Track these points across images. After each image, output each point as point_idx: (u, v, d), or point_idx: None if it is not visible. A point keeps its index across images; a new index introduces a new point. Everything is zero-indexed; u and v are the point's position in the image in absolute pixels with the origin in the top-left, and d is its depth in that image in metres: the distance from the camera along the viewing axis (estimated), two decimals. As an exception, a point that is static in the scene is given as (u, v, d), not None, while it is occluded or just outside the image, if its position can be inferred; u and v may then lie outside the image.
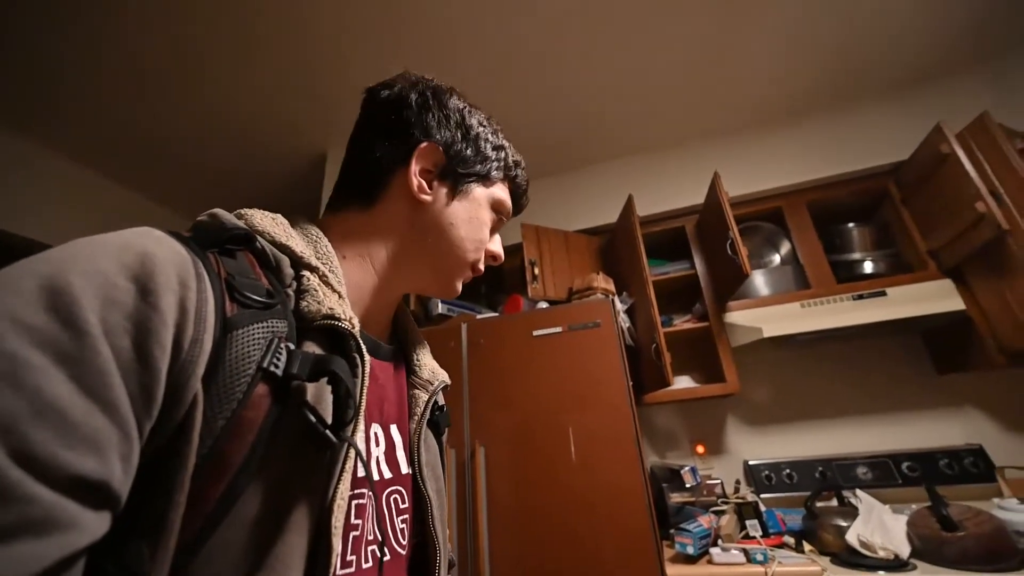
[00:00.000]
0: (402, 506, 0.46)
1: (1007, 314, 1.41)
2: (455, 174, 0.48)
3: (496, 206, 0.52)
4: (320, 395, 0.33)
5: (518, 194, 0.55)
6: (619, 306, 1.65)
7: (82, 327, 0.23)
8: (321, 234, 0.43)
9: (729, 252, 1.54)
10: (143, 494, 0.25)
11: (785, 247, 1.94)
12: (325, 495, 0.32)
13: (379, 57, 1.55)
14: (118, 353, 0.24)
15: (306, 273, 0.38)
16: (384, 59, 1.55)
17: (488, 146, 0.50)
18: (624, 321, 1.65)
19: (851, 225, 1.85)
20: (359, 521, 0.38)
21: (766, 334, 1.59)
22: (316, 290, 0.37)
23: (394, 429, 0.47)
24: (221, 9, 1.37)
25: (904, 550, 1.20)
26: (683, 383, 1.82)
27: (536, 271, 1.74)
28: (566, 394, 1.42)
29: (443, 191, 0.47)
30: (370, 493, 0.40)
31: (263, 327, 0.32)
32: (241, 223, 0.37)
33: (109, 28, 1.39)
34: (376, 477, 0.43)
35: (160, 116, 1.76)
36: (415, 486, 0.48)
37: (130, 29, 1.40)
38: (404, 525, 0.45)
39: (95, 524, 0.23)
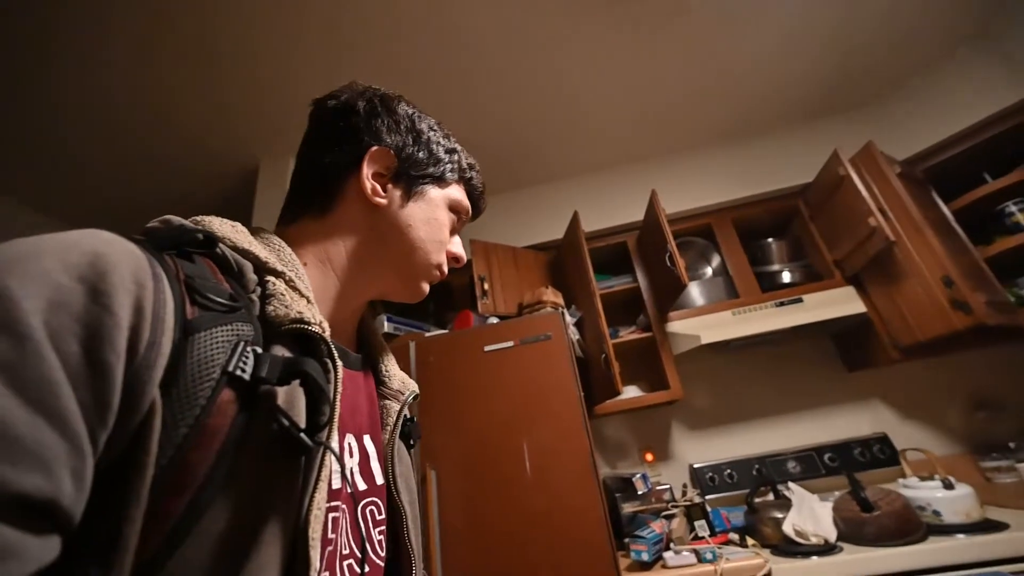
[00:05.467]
0: (379, 517, 0.45)
1: (897, 314, 1.62)
2: (408, 176, 0.48)
3: (454, 206, 0.52)
4: (292, 399, 0.32)
5: (475, 196, 0.56)
6: (568, 319, 1.69)
7: (23, 331, 0.21)
8: (283, 243, 0.42)
9: (668, 264, 1.63)
10: (95, 510, 0.23)
11: (716, 260, 2.10)
12: (301, 505, 0.30)
13: (322, 75, 1.51)
14: (66, 359, 0.22)
15: (271, 278, 0.37)
16: (327, 79, 1.51)
17: (440, 148, 0.51)
18: (573, 334, 1.69)
19: (770, 240, 2.04)
20: (333, 535, 0.36)
21: (704, 341, 1.70)
22: (283, 294, 0.36)
23: (367, 440, 0.47)
24: (164, 16, 1.27)
25: (832, 534, 1.30)
26: (630, 392, 1.87)
27: (486, 286, 1.74)
28: (519, 409, 1.41)
29: (398, 194, 0.47)
30: (344, 506, 0.38)
31: (227, 330, 0.30)
32: (199, 228, 0.35)
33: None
34: (350, 489, 0.41)
35: (76, 116, 1.57)
36: (389, 497, 0.47)
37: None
38: (381, 537, 0.45)
39: (40, 550, 0.20)
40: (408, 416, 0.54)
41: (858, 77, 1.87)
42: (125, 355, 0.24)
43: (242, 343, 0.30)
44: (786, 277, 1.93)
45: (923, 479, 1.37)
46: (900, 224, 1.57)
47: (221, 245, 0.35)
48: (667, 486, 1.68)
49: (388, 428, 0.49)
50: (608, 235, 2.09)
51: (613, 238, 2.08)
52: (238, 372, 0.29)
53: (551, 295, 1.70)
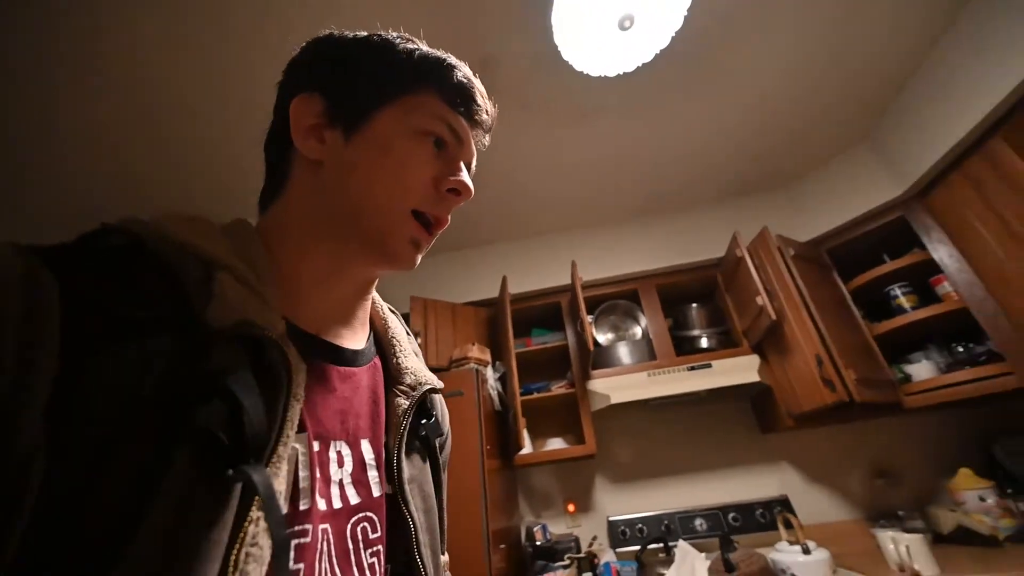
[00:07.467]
0: (372, 536, 0.39)
1: (788, 384, 1.76)
2: (342, 112, 0.40)
3: (421, 123, 0.41)
4: (223, 420, 0.28)
5: (458, 93, 0.43)
6: (490, 375, 1.86)
7: None
8: (251, 229, 0.39)
9: (579, 329, 1.81)
10: None
11: (644, 321, 2.27)
12: (229, 547, 0.26)
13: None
14: None
15: (217, 274, 0.32)
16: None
17: (375, 63, 0.41)
18: (494, 388, 1.86)
19: (694, 305, 2.21)
20: (299, 566, 0.32)
21: (613, 401, 1.85)
22: (227, 293, 0.31)
23: (365, 445, 0.42)
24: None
25: (701, 593, 1.41)
26: (553, 444, 2.01)
27: (419, 341, 1.93)
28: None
29: (336, 138, 0.40)
30: (323, 527, 0.35)
31: (138, 347, 0.27)
32: (118, 226, 0.32)
33: None
34: (339, 504, 0.37)
35: None
36: (394, 508, 0.42)
37: None
38: (375, 559, 0.39)
39: None
40: (427, 412, 0.48)
41: (769, 166, 2.09)
42: None
43: (157, 359, 0.26)
44: (703, 342, 2.09)
45: (791, 543, 1.48)
46: (786, 304, 1.74)
47: (153, 243, 0.31)
48: (573, 537, 1.80)
49: (396, 429, 0.44)
50: (545, 295, 2.28)
51: (550, 298, 2.27)
52: (147, 393, 0.25)
53: (476, 351, 1.88)
